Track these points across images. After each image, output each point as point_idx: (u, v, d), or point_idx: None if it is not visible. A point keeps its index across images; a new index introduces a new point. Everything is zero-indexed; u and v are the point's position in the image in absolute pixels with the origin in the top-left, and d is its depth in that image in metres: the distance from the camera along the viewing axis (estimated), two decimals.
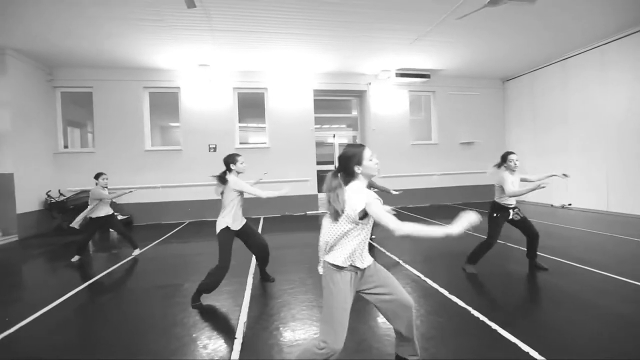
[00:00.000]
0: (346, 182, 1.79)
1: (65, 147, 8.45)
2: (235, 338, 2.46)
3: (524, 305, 3.00)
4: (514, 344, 2.24)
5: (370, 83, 9.61)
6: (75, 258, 4.90)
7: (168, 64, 8.15)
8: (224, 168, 3.40)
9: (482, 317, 2.65)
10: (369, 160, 1.79)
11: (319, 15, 5.89)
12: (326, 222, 1.82)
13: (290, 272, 3.96)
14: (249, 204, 3.39)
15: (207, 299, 3.16)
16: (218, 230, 3.19)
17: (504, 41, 7.43)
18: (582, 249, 4.59)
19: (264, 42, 7.05)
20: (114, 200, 5.12)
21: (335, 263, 1.75)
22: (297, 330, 2.56)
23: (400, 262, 4.21)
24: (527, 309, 2.91)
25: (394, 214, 1.76)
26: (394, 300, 1.83)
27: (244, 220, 3.42)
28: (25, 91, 7.22)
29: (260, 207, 8.33)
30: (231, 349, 2.31)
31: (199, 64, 8.09)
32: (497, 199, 3.71)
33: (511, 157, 3.69)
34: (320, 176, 9.68)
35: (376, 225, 1.79)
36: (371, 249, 4.79)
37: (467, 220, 1.62)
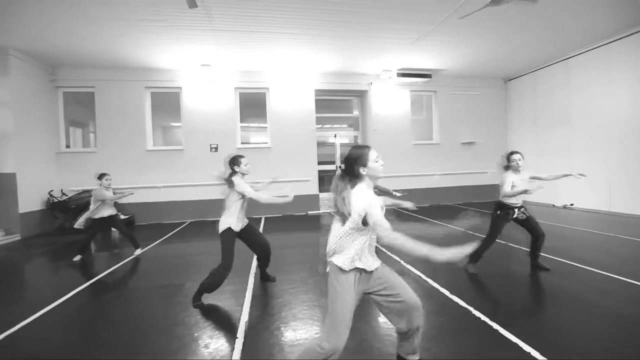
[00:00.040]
0: (353, 184, 1.78)
1: (68, 146, 8.48)
2: (237, 338, 2.46)
3: (526, 306, 2.99)
4: (515, 344, 2.24)
5: (371, 83, 9.60)
6: (77, 257, 4.92)
7: (170, 64, 8.16)
8: (225, 168, 3.40)
9: (483, 317, 2.64)
10: (375, 161, 1.78)
11: (320, 15, 5.89)
12: (334, 224, 1.83)
13: (291, 272, 3.96)
14: (250, 204, 3.40)
15: (208, 299, 3.17)
16: (220, 230, 3.20)
17: (505, 41, 7.42)
18: (584, 249, 4.57)
19: (266, 42, 7.05)
20: (116, 200, 5.13)
21: (340, 265, 1.75)
22: (299, 330, 2.56)
23: (402, 262, 4.21)
24: (528, 309, 2.91)
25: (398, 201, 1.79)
26: (402, 301, 1.83)
27: (246, 221, 3.43)
28: (27, 91, 7.25)
29: (261, 207, 8.32)
30: (232, 349, 2.31)
31: (200, 64, 8.10)
32: (500, 198, 3.72)
33: (513, 157, 3.69)
34: (322, 176, 9.69)
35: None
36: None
37: (455, 253, 1.54)
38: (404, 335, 1.91)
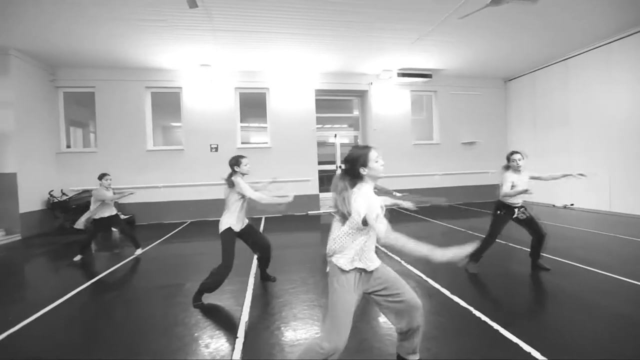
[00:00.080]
0: (353, 184, 1.79)
1: (68, 146, 8.48)
2: (237, 337, 2.46)
3: (526, 306, 2.99)
4: (516, 344, 2.24)
5: (371, 83, 9.60)
6: (78, 257, 4.92)
7: (170, 64, 8.16)
8: (225, 168, 3.41)
9: (483, 317, 2.64)
10: (375, 162, 1.78)
11: (320, 15, 5.90)
12: (335, 224, 1.83)
13: (291, 272, 3.96)
14: (251, 204, 3.41)
15: (208, 299, 3.17)
16: (221, 230, 3.21)
17: (505, 41, 7.41)
18: (584, 250, 4.57)
19: (266, 42, 7.06)
20: (116, 200, 5.14)
21: (340, 266, 1.75)
22: (299, 330, 2.56)
23: (402, 262, 4.20)
24: (529, 309, 2.91)
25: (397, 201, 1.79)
26: (403, 301, 1.83)
27: (247, 221, 3.43)
28: (28, 91, 7.25)
29: (262, 207, 8.33)
30: (233, 349, 2.31)
31: (200, 64, 8.10)
32: (501, 198, 3.73)
33: (514, 156, 3.70)
34: (322, 176, 9.69)
35: None
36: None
37: (456, 253, 1.54)
38: (404, 335, 1.91)
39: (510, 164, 3.72)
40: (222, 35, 6.57)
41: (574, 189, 8.31)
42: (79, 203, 7.46)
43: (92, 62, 7.80)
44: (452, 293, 3.16)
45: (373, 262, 1.83)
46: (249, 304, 3.08)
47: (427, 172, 9.99)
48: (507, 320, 2.58)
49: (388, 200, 2.25)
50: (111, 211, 5.01)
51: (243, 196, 3.25)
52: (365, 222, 1.68)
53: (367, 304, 2.70)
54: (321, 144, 9.99)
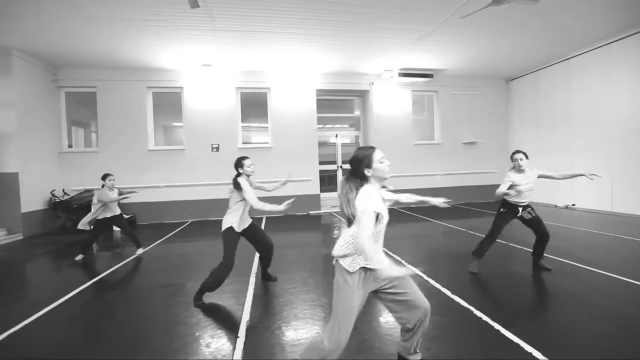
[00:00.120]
0: (358, 186, 1.79)
1: (70, 146, 8.50)
2: (238, 337, 2.47)
3: (527, 306, 2.98)
4: (517, 344, 2.23)
5: (373, 83, 9.60)
6: (79, 257, 4.94)
7: (171, 64, 8.18)
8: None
9: (484, 317, 2.64)
10: (379, 162, 1.77)
11: (321, 15, 5.90)
12: (343, 226, 1.86)
13: (292, 272, 3.96)
14: None
15: (209, 298, 3.17)
16: (223, 228, 3.23)
17: (507, 41, 7.40)
18: (586, 250, 4.56)
19: (267, 42, 7.06)
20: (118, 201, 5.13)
21: (345, 266, 1.76)
22: (300, 330, 2.56)
23: (403, 262, 4.20)
24: (530, 309, 2.90)
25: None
26: (409, 300, 1.83)
27: (250, 221, 3.44)
28: (30, 91, 7.27)
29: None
30: (234, 348, 2.32)
31: (201, 64, 8.11)
32: (506, 197, 3.74)
33: (515, 156, 3.69)
34: (323, 176, 9.69)
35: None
36: None
37: (402, 272, 1.56)
38: (407, 335, 1.91)
39: (513, 164, 3.72)
40: (223, 35, 6.57)
41: (575, 189, 8.30)
42: (81, 203, 7.49)
43: (94, 62, 7.82)
44: (453, 293, 3.16)
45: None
46: (250, 304, 3.08)
47: (428, 172, 9.99)
48: (508, 320, 2.58)
49: (412, 198, 2.26)
50: (114, 211, 5.02)
51: (243, 197, 3.26)
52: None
53: (368, 304, 2.70)
54: (322, 144, 10.00)
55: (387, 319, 2.68)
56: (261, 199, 3.17)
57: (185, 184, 8.55)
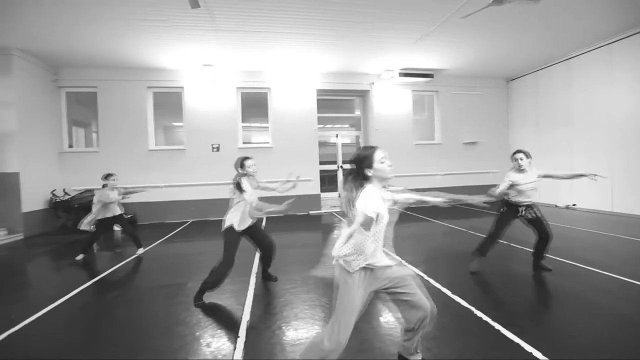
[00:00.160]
0: (360, 186, 1.78)
1: (70, 146, 8.51)
2: (238, 337, 2.47)
3: (527, 306, 2.98)
4: (517, 344, 2.23)
5: (373, 83, 9.60)
6: (80, 257, 4.94)
7: (172, 64, 8.18)
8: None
9: (485, 317, 2.64)
10: (380, 162, 1.76)
11: (322, 15, 5.90)
12: (343, 226, 1.84)
13: (292, 272, 3.96)
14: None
15: (210, 298, 3.18)
16: (224, 227, 3.25)
17: (507, 41, 7.40)
18: (586, 250, 4.56)
19: (267, 42, 7.06)
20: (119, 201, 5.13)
21: (345, 266, 1.76)
22: (300, 330, 2.56)
23: (403, 262, 4.20)
24: (530, 309, 2.90)
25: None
26: (410, 300, 1.83)
27: (251, 221, 3.44)
28: (30, 91, 7.28)
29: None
30: (234, 348, 2.32)
31: (202, 64, 8.11)
32: (506, 197, 3.75)
33: (515, 156, 3.69)
34: (323, 176, 9.69)
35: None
36: None
37: (323, 272, 1.59)
38: (409, 334, 1.91)
39: (513, 164, 3.71)
40: (224, 35, 6.58)
41: (576, 189, 8.29)
42: (81, 202, 7.50)
43: (94, 62, 7.82)
44: (454, 293, 3.16)
45: (381, 261, 1.80)
46: (250, 304, 3.09)
47: (428, 172, 9.98)
48: (508, 320, 2.57)
49: (412, 198, 2.12)
50: (115, 211, 5.02)
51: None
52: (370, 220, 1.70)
53: (368, 305, 2.70)
54: (322, 144, 10.00)
55: (387, 318, 2.68)
56: (265, 198, 3.17)
57: (185, 183, 8.55)
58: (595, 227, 6.10)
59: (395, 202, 1.89)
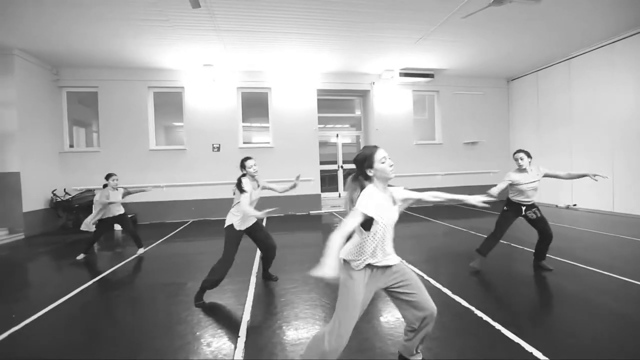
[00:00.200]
0: (362, 185, 1.79)
1: (71, 146, 8.52)
2: (239, 336, 2.47)
3: (528, 306, 2.98)
4: (517, 344, 2.23)
5: (374, 83, 9.60)
6: (81, 256, 4.95)
7: (172, 64, 8.19)
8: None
9: (485, 317, 2.64)
10: (381, 162, 1.75)
11: (322, 14, 5.90)
12: None
13: (293, 272, 3.96)
14: (259, 204, 3.46)
15: (210, 298, 3.18)
16: (225, 225, 3.28)
17: (508, 40, 7.39)
18: (587, 250, 4.55)
19: (268, 42, 7.06)
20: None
21: (348, 265, 1.77)
22: (300, 329, 2.57)
23: (404, 262, 4.19)
24: (530, 309, 2.90)
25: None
26: (414, 301, 1.82)
27: (254, 220, 3.44)
28: (31, 91, 7.29)
29: (264, 207, 8.36)
30: (235, 348, 2.32)
31: (203, 64, 8.12)
32: (509, 196, 3.78)
33: (516, 155, 3.70)
34: (324, 176, 9.69)
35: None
36: None
37: (325, 270, 1.53)
38: (410, 334, 1.91)
39: (516, 163, 3.72)
40: (225, 35, 6.58)
41: (576, 190, 8.29)
42: (82, 202, 7.51)
43: (95, 62, 7.83)
44: (454, 293, 3.16)
45: (386, 259, 1.80)
46: (251, 303, 3.09)
47: (429, 172, 9.98)
48: (509, 320, 2.57)
49: (440, 197, 2.03)
50: (116, 212, 5.03)
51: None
52: (363, 223, 1.70)
53: (369, 304, 2.70)
54: (323, 144, 10.00)
55: (387, 318, 2.69)
56: (266, 198, 3.18)
57: (186, 183, 8.56)
58: (596, 227, 6.09)
59: (406, 201, 1.88)
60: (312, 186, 9.19)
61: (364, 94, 10.19)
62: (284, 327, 2.61)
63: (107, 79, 8.23)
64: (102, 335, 2.62)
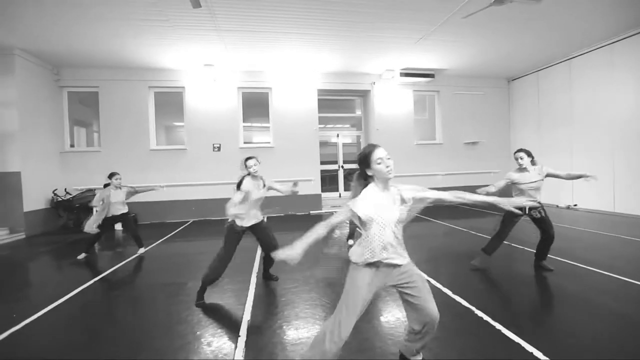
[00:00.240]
0: (365, 185, 1.81)
1: (72, 146, 8.52)
2: (239, 336, 2.47)
3: (528, 306, 2.98)
4: (518, 344, 2.23)
5: (374, 83, 9.60)
6: (82, 256, 4.95)
7: (173, 64, 8.19)
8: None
9: (485, 317, 2.64)
10: (377, 163, 1.72)
11: (323, 14, 5.90)
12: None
13: (293, 271, 3.95)
14: (262, 203, 3.48)
15: (210, 298, 3.18)
16: (228, 221, 3.30)
17: (509, 40, 7.39)
18: (587, 250, 4.55)
19: (269, 42, 7.06)
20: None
21: (355, 261, 1.79)
22: (301, 329, 2.57)
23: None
24: (531, 309, 2.90)
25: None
26: (417, 304, 1.82)
27: (259, 219, 3.45)
28: (32, 91, 7.30)
29: (264, 206, 8.37)
30: (235, 347, 2.32)
31: (203, 64, 8.12)
32: (513, 196, 3.76)
33: (515, 155, 3.70)
34: (324, 176, 9.69)
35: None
36: None
37: (289, 253, 1.62)
38: (412, 335, 1.91)
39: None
40: (226, 35, 6.58)
41: (577, 190, 8.28)
42: (83, 202, 7.52)
43: (96, 62, 7.83)
44: (454, 293, 3.16)
45: (390, 258, 1.78)
46: (251, 303, 3.09)
47: (429, 172, 9.97)
48: (509, 320, 2.57)
49: (473, 196, 1.97)
50: (117, 211, 5.03)
51: (246, 195, 3.29)
52: (361, 222, 1.74)
53: (369, 304, 2.70)
54: (323, 144, 10.00)
55: (387, 318, 2.69)
56: (269, 198, 3.22)
57: (186, 183, 8.56)
58: (596, 227, 6.09)
59: (422, 200, 1.86)
60: (312, 186, 9.19)
61: (364, 94, 10.19)
62: (284, 327, 2.61)
63: (108, 79, 8.24)
64: (103, 335, 2.63)
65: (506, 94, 10.71)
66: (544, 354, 2.10)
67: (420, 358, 2.00)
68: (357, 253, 1.78)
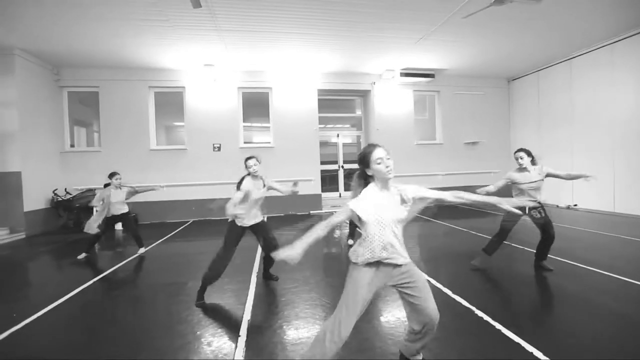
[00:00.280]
0: (366, 184, 1.81)
1: (72, 146, 8.53)
2: (239, 336, 2.47)
3: (528, 306, 2.98)
4: (518, 344, 2.23)
5: (374, 83, 9.59)
6: (82, 255, 4.95)
7: (173, 64, 8.19)
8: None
9: (486, 317, 2.64)
10: (376, 163, 1.72)
11: (323, 14, 5.90)
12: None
13: (293, 271, 3.96)
14: (263, 203, 3.49)
15: (210, 298, 3.18)
16: (229, 220, 3.32)
17: (509, 40, 7.39)
18: (587, 250, 4.55)
19: (269, 42, 7.06)
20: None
21: (355, 261, 1.79)
22: (301, 329, 2.57)
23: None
24: (531, 309, 2.90)
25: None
26: (417, 305, 1.82)
27: (260, 218, 3.45)
28: (32, 91, 7.30)
29: (264, 206, 8.37)
30: (235, 347, 2.32)
31: (204, 64, 8.12)
32: (513, 196, 3.78)
33: (515, 154, 3.69)
34: (324, 176, 9.69)
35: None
36: None
37: (289, 253, 1.61)
38: (414, 336, 1.91)
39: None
40: (226, 35, 6.58)
41: (577, 190, 8.27)
42: (83, 202, 7.52)
43: (96, 62, 7.84)
44: (454, 293, 3.16)
45: (391, 257, 1.77)
46: (252, 303, 3.09)
47: (429, 172, 9.96)
48: (509, 320, 2.57)
49: (467, 198, 1.95)
50: (117, 211, 5.02)
51: (246, 195, 3.29)
52: (360, 220, 1.73)
53: (369, 304, 2.70)
54: (324, 144, 9.99)
55: (387, 318, 2.69)
56: (268, 198, 3.23)
57: (186, 183, 8.56)
58: (597, 227, 6.09)
59: (423, 200, 1.86)
60: (312, 186, 9.19)
61: (364, 94, 10.19)
62: (284, 327, 2.61)
63: (108, 79, 8.24)
64: (103, 334, 2.63)
65: (506, 94, 10.71)
66: (544, 354, 2.10)
67: (420, 358, 2.00)
68: (357, 253, 1.78)
